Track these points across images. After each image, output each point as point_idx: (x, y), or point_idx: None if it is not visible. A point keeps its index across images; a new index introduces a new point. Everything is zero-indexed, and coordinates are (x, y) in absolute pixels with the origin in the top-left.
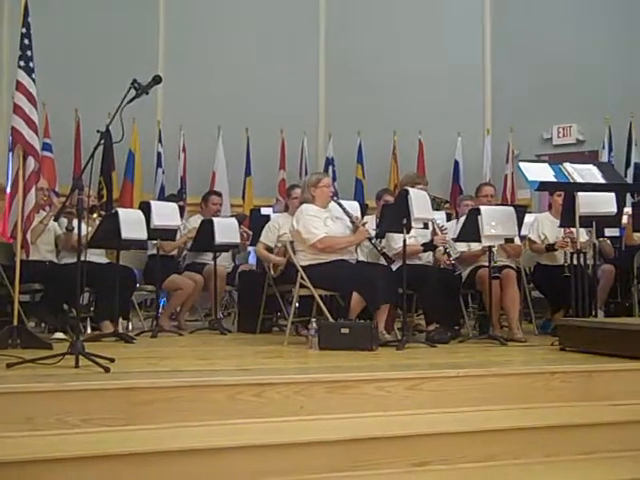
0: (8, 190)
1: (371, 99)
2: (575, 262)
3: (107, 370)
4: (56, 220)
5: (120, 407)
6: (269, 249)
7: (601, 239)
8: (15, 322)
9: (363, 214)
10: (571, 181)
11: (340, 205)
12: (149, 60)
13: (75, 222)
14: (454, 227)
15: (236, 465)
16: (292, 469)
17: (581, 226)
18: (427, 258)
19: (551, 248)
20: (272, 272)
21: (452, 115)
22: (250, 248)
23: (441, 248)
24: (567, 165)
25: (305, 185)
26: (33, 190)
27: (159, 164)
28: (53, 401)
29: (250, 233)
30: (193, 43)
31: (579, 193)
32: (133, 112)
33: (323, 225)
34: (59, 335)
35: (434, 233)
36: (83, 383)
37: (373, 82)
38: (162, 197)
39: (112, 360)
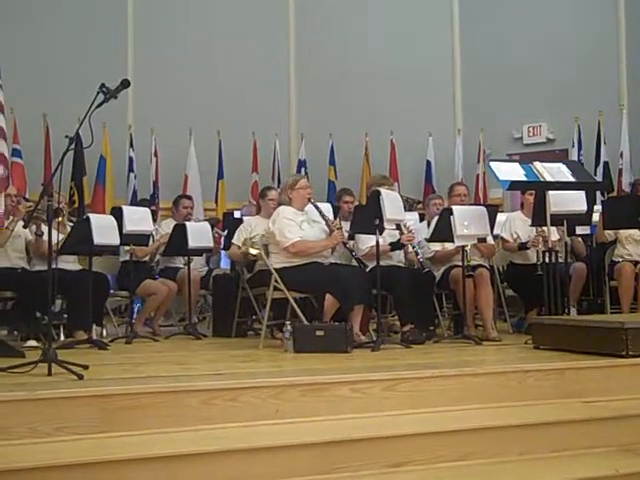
0: None
1: (342, 100)
2: (547, 260)
3: (81, 377)
4: (26, 227)
5: (94, 414)
6: None
7: (572, 237)
8: None
9: (335, 216)
10: (541, 180)
11: (317, 208)
12: (118, 64)
13: (44, 227)
14: (425, 228)
15: (213, 470)
16: (269, 473)
17: (552, 225)
18: (398, 258)
19: (523, 247)
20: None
21: (423, 115)
22: (223, 252)
23: (409, 247)
24: (537, 164)
25: (283, 187)
26: (2, 197)
27: (131, 169)
28: (25, 410)
29: (222, 233)
30: (163, 46)
31: (550, 192)
32: (103, 117)
33: (298, 229)
34: (32, 343)
35: (401, 232)
36: (56, 391)
37: (344, 83)
38: (134, 202)
39: (86, 367)
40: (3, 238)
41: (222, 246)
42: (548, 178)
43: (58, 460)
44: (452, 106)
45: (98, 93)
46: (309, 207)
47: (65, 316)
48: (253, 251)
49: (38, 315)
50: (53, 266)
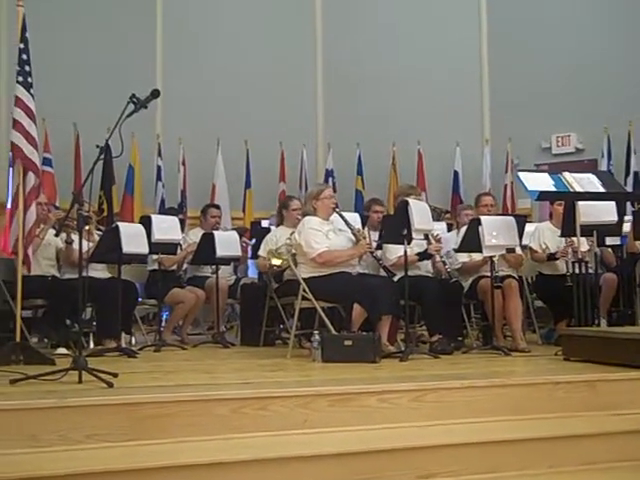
0: (9, 206)
1: (370, 110)
2: (577, 271)
3: (110, 385)
4: (57, 235)
5: (124, 422)
6: None
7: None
8: (18, 338)
9: (363, 225)
10: (571, 190)
11: (342, 217)
12: (147, 74)
13: (73, 235)
14: (455, 237)
15: (241, 479)
16: None
17: (582, 235)
18: (426, 268)
19: (552, 257)
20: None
21: (451, 125)
22: (250, 261)
23: (437, 257)
24: (566, 174)
25: (307, 197)
26: (34, 205)
27: (159, 178)
28: (56, 417)
29: (250, 242)
30: (191, 56)
31: (579, 202)
32: (132, 126)
33: (325, 238)
34: (62, 350)
35: (428, 242)
36: (86, 399)
37: (372, 93)
38: (162, 211)
39: (115, 375)
40: (33, 246)
41: (250, 255)
42: (578, 188)
43: (88, 468)
44: (480, 116)
45: (128, 103)
46: (334, 216)
47: (94, 324)
48: (275, 261)
49: (68, 323)
50: (83, 274)
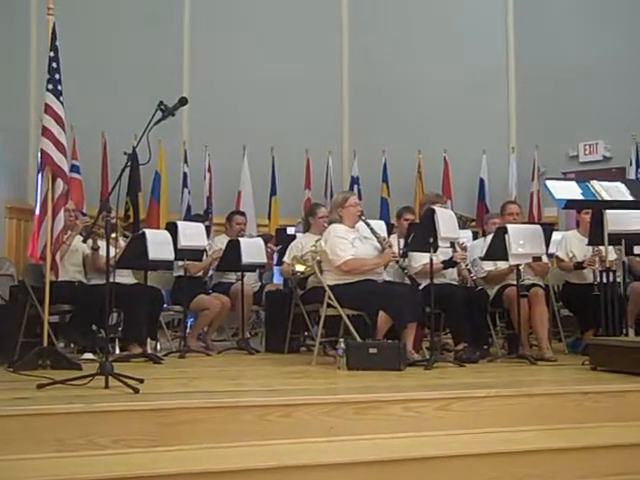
0: (37, 212)
1: (395, 118)
2: (604, 280)
3: (136, 391)
4: (84, 241)
5: (150, 428)
6: None
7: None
8: (45, 343)
9: (389, 233)
10: (599, 199)
11: (367, 225)
12: (174, 81)
13: (99, 242)
14: (481, 245)
15: None
16: None
17: (610, 244)
18: (451, 276)
19: (579, 266)
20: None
21: (477, 133)
22: (275, 268)
23: (462, 265)
24: (594, 183)
25: (333, 205)
26: (62, 212)
27: (185, 184)
28: (83, 422)
29: (275, 249)
30: (217, 64)
31: (607, 211)
32: (159, 133)
33: (350, 246)
34: (88, 356)
35: (454, 250)
36: (113, 404)
37: (397, 101)
38: (188, 217)
39: (141, 381)
40: (61, 253)
41: (275, 262)
42: (606, 197)
43: (115, 473)
44: (506, 124)
45: (156, 110)
46: (360, 224)
47: (120, 329)
48: (299, 268)
49: (94, 328)
50: (110, 280)
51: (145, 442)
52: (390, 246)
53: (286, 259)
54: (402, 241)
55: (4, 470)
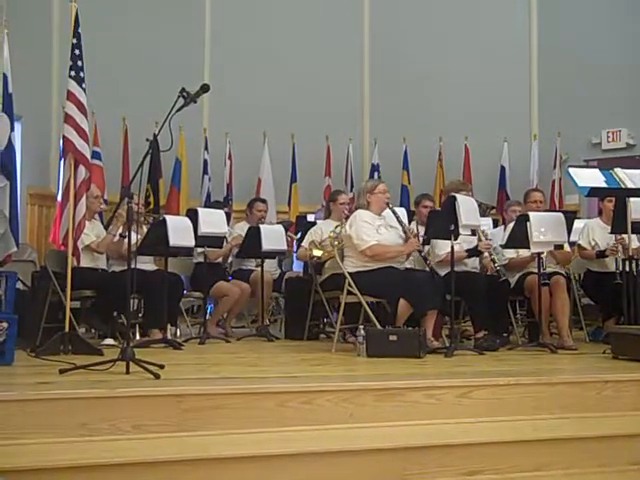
0: (59, 198)
1: (416, 105)
2: (627, 269)
3: (157, 377)
4: (106, 228)
5: (171, 414)
6: None
7: None
8: (67, 328)
9: (409, 221)
10: (622, 187)
11: (394, 213)
12: (195, 68)
13: (122, 228)
14: (501, 233)
15: (286, 473)
16: (342, 477)
17: (633, 232)
18: (473, 264)
19: (602, 255)
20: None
21: (498, 120)
22: (295, 255)
23: (486, 254)
24: (618, 170)
25: (361, 191)
26: (84, 198)
27: (205, 171)
28: (105, 407)
29: (295, 237)
30: (238, 51)
31: (631, 199)
32: (180, 120)
33: (375, 232)
34: (109, 341)
35: (478, 239)
36: (135, 389)
37: (418, 88)
38: (208, 204)
39: (162, 367)
40: (103, 245)
41: (295, 249)
42: (629, 185)
43: (137, 458)
44: (528, 111)
45: (178, 97)
46: (386, 212)
47: (140, 315)
48: (316, 253)
49: (115, 314)
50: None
51: (166, 427)
52: (415, 236)
53: (304, 243)
54: (421, 228)
55: (28, 454)
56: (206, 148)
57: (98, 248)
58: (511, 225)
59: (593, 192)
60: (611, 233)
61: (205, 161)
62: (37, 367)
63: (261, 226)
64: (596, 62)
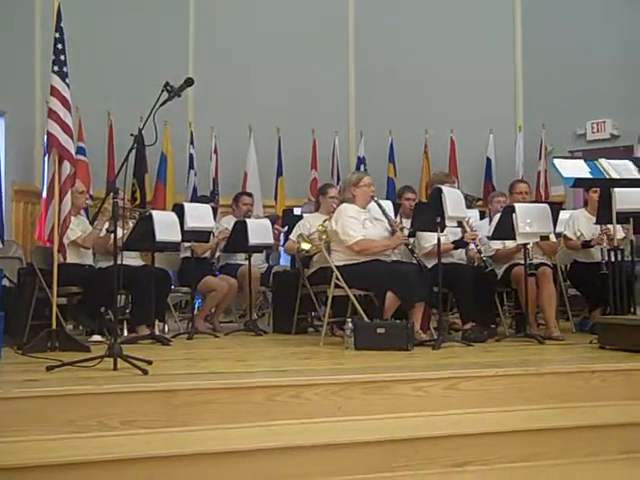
0: (44, 194)
1: (402, 97)
2: (612, 259)
3: (145, 372)
4: (92, 223)
5: (159, 409)
6: None
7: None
8: (54, 325)
9: (396, 213)
10: (607, 177)
11: (380, 206)
12: (179, 62)
13: (107, 224)
14: (487, 225)
15: (275, 466)
16: (331, 470)
17: (618, 222)
18: (459, 256)
19: (587, 245)
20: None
21: (483, 112)
22: (282, 249)
23: (472, 245)
24: (603, 161)
25: (346, 184)
26: (69, 194)
27: (191, 166)
28: (93, 403)
29: (282, 230)
30: (223, 44)
31: (615, 189)
32: (165, 115)
33: (361, 227)
34: (96, 337)
35: (464, 230)
36: (122, 385)
37: (404, 80)
38: (194, 199)
39: (150, 362)
40: (89, 240)
41: (282, 243)
42: (614, 175)
43: (125, 454)
44: (513, 102)
45: (162, 91)
46: (371, 205)
47: (128, 311)
48: (305, 246)
49: (102, 310)
50: (118, 262)
51: (154, 423)
52: (401, 229)
53: (292, 236)
54: (405, 220)
55: (17, 452)
56: (192, 142)
57: (84, 243)
58: (496, 216)
59: (578, 183)
60: (596, 224)
61: (191, 155)
62: (24, 364)
63: (247, 220)
64: (581, 54)
